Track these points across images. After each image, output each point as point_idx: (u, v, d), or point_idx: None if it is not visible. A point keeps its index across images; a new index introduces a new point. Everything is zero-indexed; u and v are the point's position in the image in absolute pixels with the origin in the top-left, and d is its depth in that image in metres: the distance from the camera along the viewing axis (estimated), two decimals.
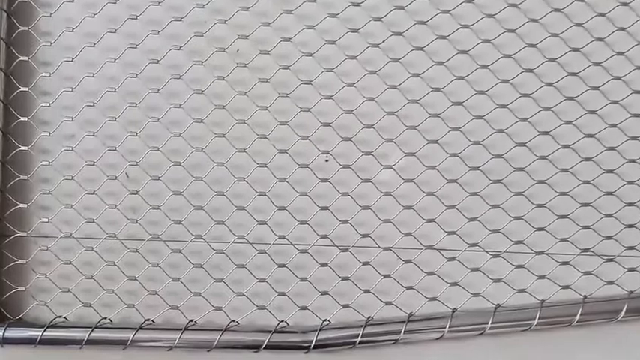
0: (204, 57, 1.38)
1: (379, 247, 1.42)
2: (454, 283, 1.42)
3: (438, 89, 1.40)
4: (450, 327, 1.35)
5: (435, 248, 1.44)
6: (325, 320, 1.39)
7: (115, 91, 1.38)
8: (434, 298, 1.42)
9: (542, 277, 1.41)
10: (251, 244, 1.41)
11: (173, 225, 1.40)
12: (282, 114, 1.41)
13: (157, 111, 1.39)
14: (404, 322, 1.37)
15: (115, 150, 1.40)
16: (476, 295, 1.41)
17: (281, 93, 1.40)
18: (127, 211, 1.42)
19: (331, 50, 1.40)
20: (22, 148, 1.40)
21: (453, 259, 1.43)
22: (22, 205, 1.40)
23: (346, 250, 1.41)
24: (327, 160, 1.43)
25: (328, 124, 1.40)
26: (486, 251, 1.42)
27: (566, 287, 1.41)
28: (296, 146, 1.41)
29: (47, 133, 1.40)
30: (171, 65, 1.39)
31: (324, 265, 1.40)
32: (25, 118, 1.39)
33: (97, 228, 1.41)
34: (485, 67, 1.40)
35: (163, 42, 1.39)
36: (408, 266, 1.43)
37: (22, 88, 1.39)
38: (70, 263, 1.40)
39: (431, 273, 1.42)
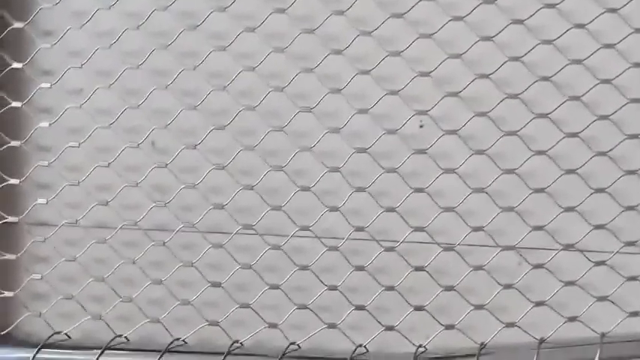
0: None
1: (496, 245, 1.18)
2: (603, 298, 1.16)
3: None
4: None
5: (575, 249, 1.18)
6: (420, 346, 1.17)
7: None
8: (574, 319, 1.16)
9: None
10: (318, 238, 1.20)
11: (213, 211, 1.21)
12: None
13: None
14: (534, 350, 1.11)
15: (138, 108, 1.22)
16: (634, 314, 1.15)
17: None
18: (153, 191, 1.24)
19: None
20: (14, 103, 1.25)
21: (601, 263, 1.16)
22: (12, 181, 1.24)
23: (450, 249, 1.18)
24: (421, 126, 1.21)
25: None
26: None
27: None
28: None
29: (48, 85, 1.25)
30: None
31: (419, 268, 1.18)
32: (20, 65, 1.25)
33: (113, 213, 1.23)
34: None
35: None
36: (537, 273, 1.17)
37: None
38: (75, 260, 1.23)
39: (570, 283, 1.17)
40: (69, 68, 1.22)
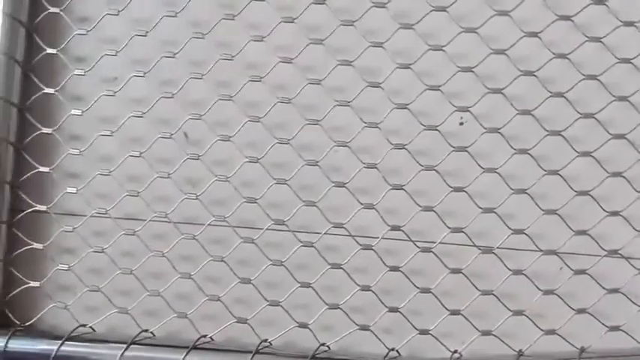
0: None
1: (537, 249, 1.13)
2: None
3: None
4: None
5: (620, 255, 1.12)
6: (455, 352, 1.12)
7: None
8: (616, 328, 1.10)
9: None
10: (352, 236, 1.15)
11: (245, 205, 1.16)
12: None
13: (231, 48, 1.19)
14: (575, 359, 1.07)
15: (172, 97, 1.18)
16: None
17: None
18: (184, 183, 1.19)
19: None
20: (47, 89, 1.21)
21: None
22: (42, 169, 1.20)
23: (489, 251, 1.13)
24: (461, 124, 1.16)
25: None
26: None
27: None
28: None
29: (82, 72, 1.21)
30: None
31: (455, 271, 1.13)
32: (54, 50, 1.22)
33: (142, 205, 1.19)
34: None
35: None
36: (579, 279, 1.12)
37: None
38: (103, 252, 1.19)
39: (614, 290, 1.11)
40: (103, 55, 1.18)
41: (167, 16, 1.16)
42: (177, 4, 1.17)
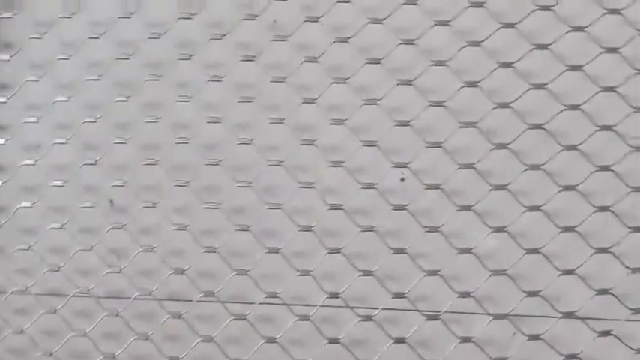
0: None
1: (487, 313, 1.03)
2: None
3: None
4: None
5: (575, 317, 1.03)
6: None
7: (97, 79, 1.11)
8: None
9: None
10: (287, 305, 1.05)
11: (174, 276, 1.07)
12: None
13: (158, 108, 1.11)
14: None
15: (95, 165, 1.09)
16: None
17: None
18: (109, 255, 1.10)
19: None
20: None
21: (606, 333, 1.02)
22: None
23: (435, 317, 1.03)
24: (402, 180, 1.06)
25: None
26: None
27: None
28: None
29: (2, 141, 1.13)
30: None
31: (399, 340, 1.02)
32: None
33: (64, 280, 1.08)
34: None
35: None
36: (534, 344, 1.03)
37: None
38: (22, 332, 1.08)
39: (571, 357, 1.03)
40: (25, 122, 1.10)
41: (90, 79, 1.09)
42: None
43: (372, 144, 1.05)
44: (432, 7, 1.06)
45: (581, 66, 1.04)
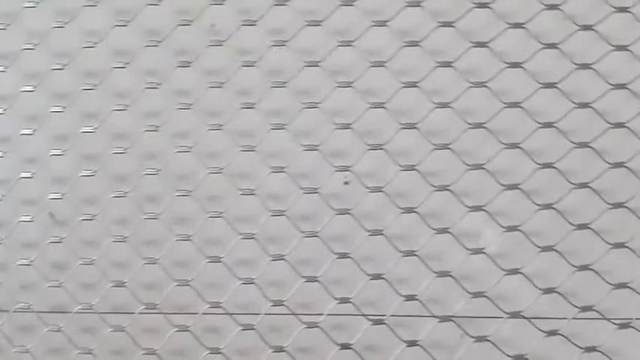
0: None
1: (433, 315, 1.03)
2: None
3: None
4: None
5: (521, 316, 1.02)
6: None
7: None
8: None
9: None
10: (230, 314, 1.03)
11: (116, 289, 1.04)
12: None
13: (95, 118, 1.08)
14: None
15: (31, 177, 1.06)
16: None
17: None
18: (50, 270, 1.07)
19: None
20: None
21: (554, 332, 1.01)
22: None
23: (380, 322, 1.02)
24: (346, 183, 1.03)
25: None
26: None
27: None
28: None
29: None
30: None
31: (345, 346, 1.01)
32: None
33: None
34: None
35: None
36: (481, 346, 1.01)
37: None
38: None
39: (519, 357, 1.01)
40: None
41: (27, 90, 1.07)
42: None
43: (313, 148, 1.03)
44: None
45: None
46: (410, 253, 1.01)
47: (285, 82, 1.04)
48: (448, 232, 1.01)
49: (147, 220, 1.04)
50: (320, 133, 1.04)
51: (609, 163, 1.01)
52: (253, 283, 1.02)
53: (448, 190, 1.02)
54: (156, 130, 1.05)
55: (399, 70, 1.03)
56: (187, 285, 1.02)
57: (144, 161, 1.05)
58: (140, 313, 1.03)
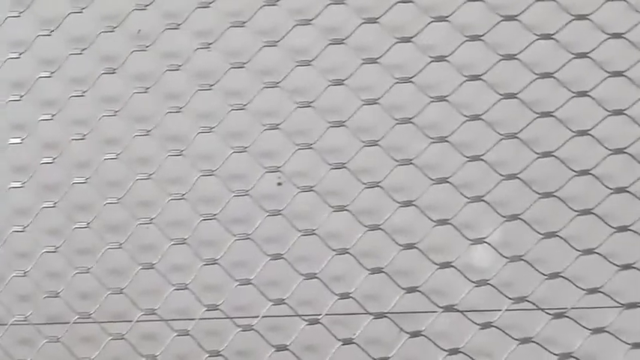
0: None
1: (367, 312, 1.02)
2: None
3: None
4: None
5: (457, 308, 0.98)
6: None
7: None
8: None
9: None
10: (164, 321, 1.02)
11: (50, 299, 1.03)
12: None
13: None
14: None
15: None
16: None
17: None
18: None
19: None
20: None
21: (488, 325, 1.02)
22: None
23: (315, 322, 1.02)
24: (279, 184, 1.02)
25: None
26: None
27: None
28: None
29: None
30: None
31: (280, 347, 1.01)
32: None
33: None
34: None
35: None
36: (416, 340, 1.02)
37: None
38: None
39: (454, 350, 1.01)
40: None
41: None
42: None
43: (242, 150, 1.03)
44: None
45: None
46: (343, 251, 1.01)
47: (212, 85, 1.03)
48: (380, 228, 1.01)
49: (77, 229, 1.03)
50: (251, 134, 1.04)
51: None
52: (187, 288, 1.02)
53: (379, 186, 1.02)
54: (83, 139, 1.04)
55: (326, 69, 1.03)
56: (121, 293, 1.02)
57: (74, 170, 1.05)
58: (75, 322, 1.02)
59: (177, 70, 1.03)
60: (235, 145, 1.03)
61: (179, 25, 1.04)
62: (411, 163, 1.02)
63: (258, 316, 1.01)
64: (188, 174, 1.03)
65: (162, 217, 1.03)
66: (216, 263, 1.02)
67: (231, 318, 1.01)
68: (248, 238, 1.02)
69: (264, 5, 1.03)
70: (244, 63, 1.03)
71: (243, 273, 1.02)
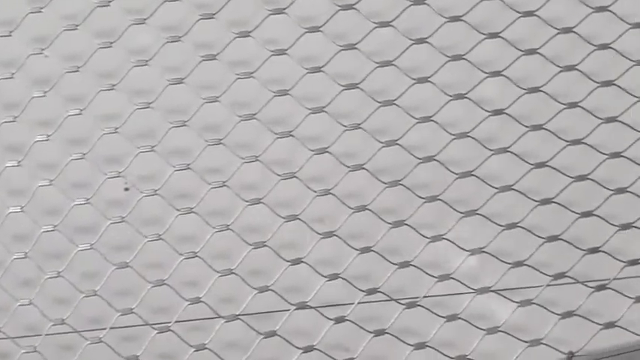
0: None
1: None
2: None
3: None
4: None
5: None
6: None
7: None
8: None
9: None
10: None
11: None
12: None
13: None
14: None
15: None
16: None
17: None
18: None
19: None
20: None
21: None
22: None
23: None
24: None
25: None
26: None
27: None
28: None
29: None
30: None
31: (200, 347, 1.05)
32: None
33: None
34: None
35: None
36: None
37: None
38: None
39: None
40: None
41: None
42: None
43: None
44: None
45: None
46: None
47: (114, 84, 1.04)
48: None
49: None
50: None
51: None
52: (96, 295, 1.02)
53: (295, 177, 1.06)
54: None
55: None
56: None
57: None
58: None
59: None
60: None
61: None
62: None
63: (170, 322, 1.03)
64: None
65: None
66: (128, 266, 1.03)
67: (148, 324, 1.03)
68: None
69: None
70: (147, 60, 1.04)
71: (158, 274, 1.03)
